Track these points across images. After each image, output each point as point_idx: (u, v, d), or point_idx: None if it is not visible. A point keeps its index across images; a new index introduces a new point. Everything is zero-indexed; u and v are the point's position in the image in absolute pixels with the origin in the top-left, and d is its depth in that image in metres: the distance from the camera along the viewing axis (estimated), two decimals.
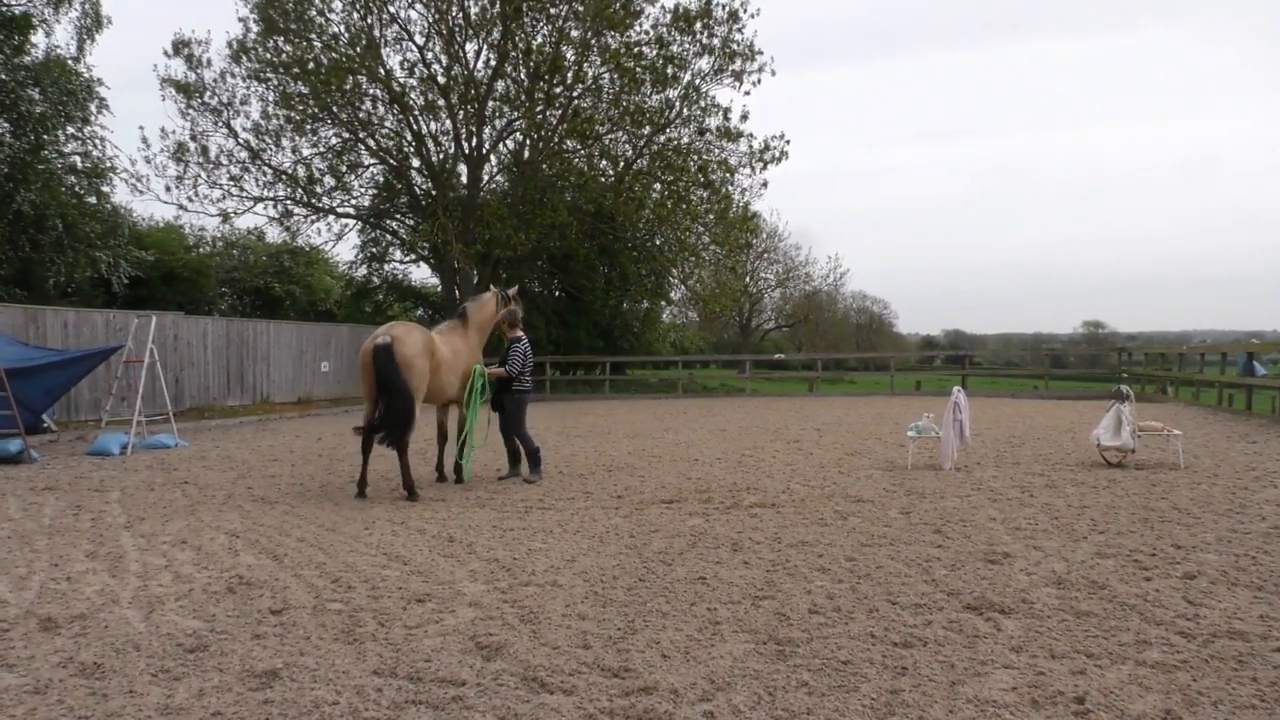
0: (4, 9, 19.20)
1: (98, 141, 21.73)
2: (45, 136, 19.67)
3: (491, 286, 11.01)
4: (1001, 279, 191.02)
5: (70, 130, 20.95)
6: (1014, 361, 49.74)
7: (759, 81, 27.35)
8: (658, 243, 32.20)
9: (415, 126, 27.36)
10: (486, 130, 27.81)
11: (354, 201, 29.88)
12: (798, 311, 61.15)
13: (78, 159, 21.61)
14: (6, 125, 19.21)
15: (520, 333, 10.72)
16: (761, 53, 27.15)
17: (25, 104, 18.82)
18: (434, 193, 28.05)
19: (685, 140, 28.38)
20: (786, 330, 64.33)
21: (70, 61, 20.63)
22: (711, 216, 29.28)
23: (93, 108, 21.06)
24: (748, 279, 51.90)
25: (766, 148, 28.16)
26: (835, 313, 65.26)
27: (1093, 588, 5.63)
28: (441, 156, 28.38)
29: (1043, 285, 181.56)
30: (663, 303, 38.61)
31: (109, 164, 22.21)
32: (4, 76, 18.79)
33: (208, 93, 25.94)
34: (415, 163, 28.57)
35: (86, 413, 17.09)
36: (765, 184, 37.10)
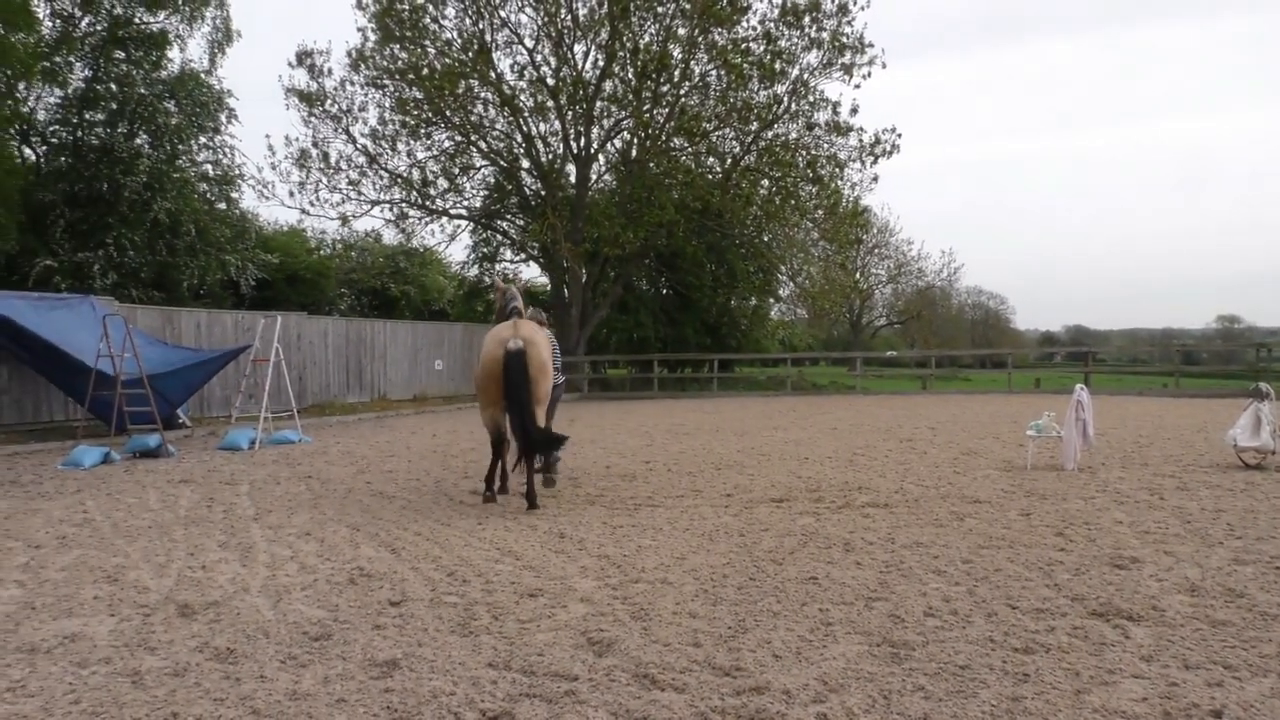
0: (143, 26, 20.32)
1: (227, 150, 22.84)
2: (180, 146, 20.84)
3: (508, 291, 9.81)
4: (1128, 272, 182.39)
5: (202, 140, 22.04)
6: (1141, 358, 47.65)
7: (869, 75, 26.78)
8: (766, 239, 31.91)
9: (525, 128, 27.80)
10: (594, 130, 28.09)
11: (466, 203, 30.54)
12: (910, 308, 59.80)
13: (209, 167, 22.73)
14: (146, 137, 20.36)
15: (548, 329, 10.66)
16: (871, 45, 26.65)
17: (162, 116, 19.93)
18: (543, 193, 28.46)
19: (793, 135, 28.00)
20: (898, 327, 62.99)
21: (202, 74, 21.69)
22: (820, 212, 28.80)
23: (223, 118, 22.13)
24: (858, 275, 51.00)
25: (877, 141, 27.57)
26: (949, 309, 63.57)
27: (1230, 595, 5.34)
28: (550, 157, 28.77)
29: (1172, 278, 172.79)
30: (771, 300, 38.24)
31: (238, 171, 23.32)
32: (143, 90, 19.92)
33: (329, 100, 26.89)
34: (525, 164, 29.03)
35: (217, 409, 17.99)
36: (875, 178, 36.39)
